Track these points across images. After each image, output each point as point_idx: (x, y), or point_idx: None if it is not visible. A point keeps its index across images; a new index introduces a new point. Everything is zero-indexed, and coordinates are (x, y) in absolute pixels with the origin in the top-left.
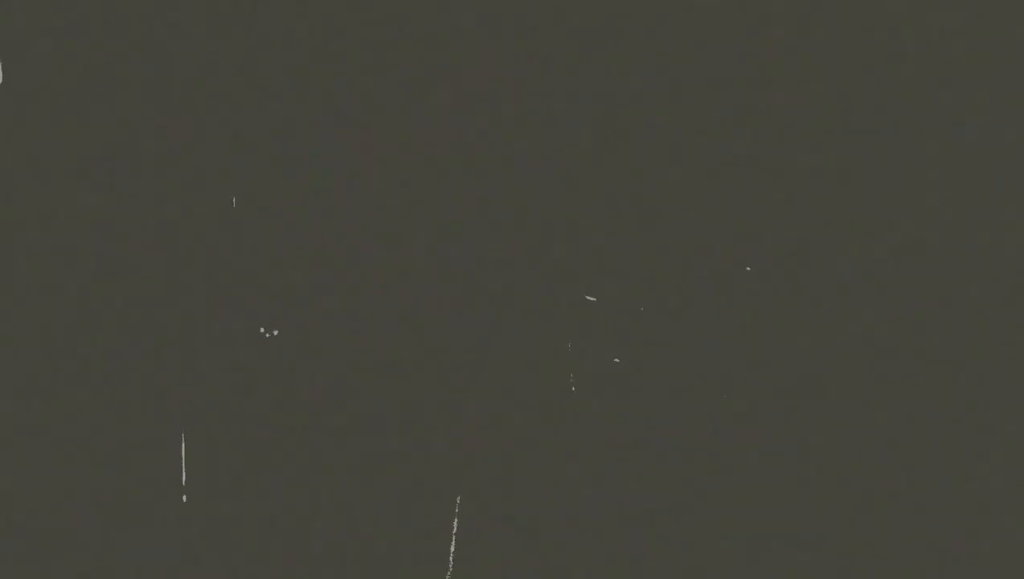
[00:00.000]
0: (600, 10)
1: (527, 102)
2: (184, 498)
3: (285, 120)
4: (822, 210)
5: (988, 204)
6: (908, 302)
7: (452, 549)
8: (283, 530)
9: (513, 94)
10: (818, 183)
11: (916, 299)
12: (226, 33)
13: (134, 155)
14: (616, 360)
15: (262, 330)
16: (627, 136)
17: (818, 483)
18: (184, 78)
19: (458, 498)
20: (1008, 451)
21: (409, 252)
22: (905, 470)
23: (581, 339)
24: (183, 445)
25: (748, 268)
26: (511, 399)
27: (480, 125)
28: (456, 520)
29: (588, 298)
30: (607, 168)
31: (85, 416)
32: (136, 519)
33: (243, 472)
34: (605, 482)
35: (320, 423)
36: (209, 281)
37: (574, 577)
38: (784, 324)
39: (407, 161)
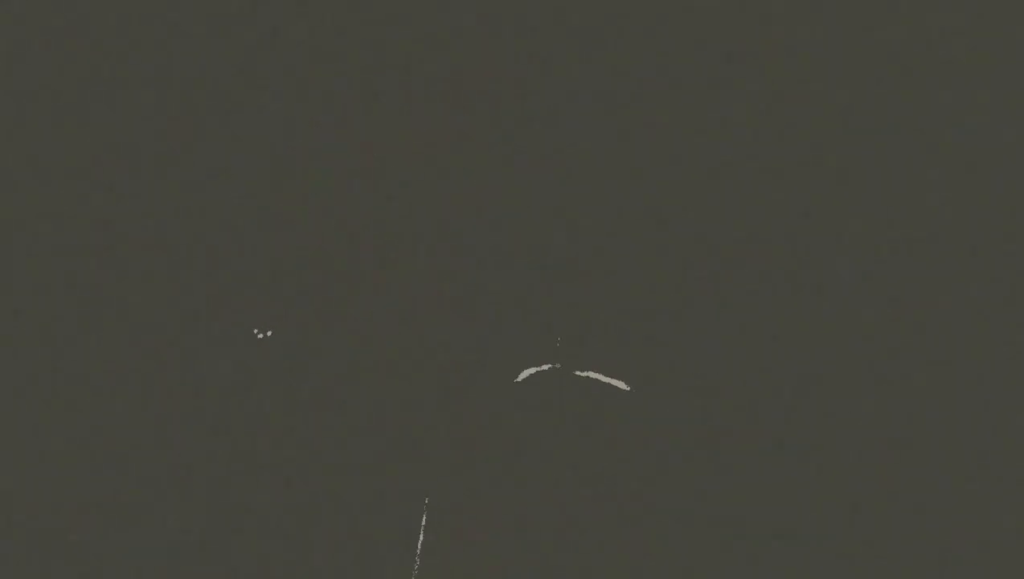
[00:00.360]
0: (600, 10)
1: (527, 102)
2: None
3: (283, 121)
4: (822, 210)
5: (988, 204)
6: (907, 302)
7: (419, 544)
8: (278, 530)
9: (512, 94)
10: (818, 183)
11: (915, 299)
12: (226, 33)
13: (130, 156)
14: (627, 387)
15: (255, 331)
16: (627, 136)
17: (818, 483)
18: (181, 78)
19: (425, 499)
20: (1008, 451)
21: (404, 252)
22: (905, 470)
23: (579, 339)
24: (177, 445)
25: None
26: (509, 399)
27: (478, 125)
28: (424, 517)
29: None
30: (605, 168)
31: (79, 416)
32: (130, 517)
33: (237, 471)
34: (603, 482)
35: (313, 423)
36: (203, 283)
37: (572, 577)
38: (782, 324)
39: (403, 161)
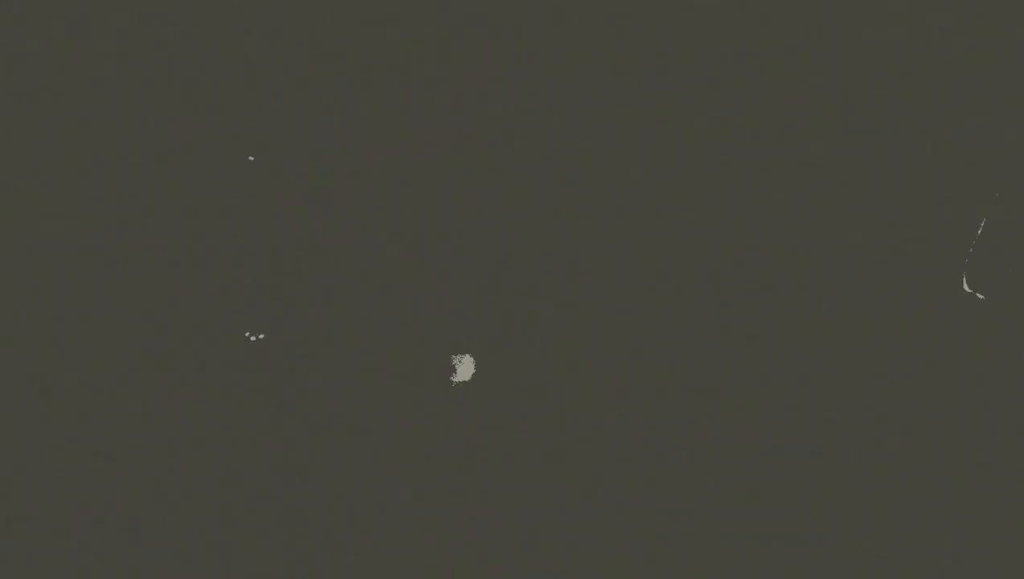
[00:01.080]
0: (599, 10)
1: (521, 102)
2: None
3: (278, 121)
4: (820, 210)
5: (987, 204)
6: (907, 302)
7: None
8: (271, 533)
9: (507, 94)
10: (816, 183)
11: (914, 299)
12: (223, 33)
13: (120, 156)
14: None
15: (247, 334)
16: (625, 136)
17: (816, 484)
18: (171, 76)
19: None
20: (1008, 451)
21: (398, 252)
22: (904, 471)
23: (583, 337)
24: (171, 448)
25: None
26: (506, 399)
27: (472, 125)
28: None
29: (975, 294)
30: (603, 168)
31: (70, 418)
32: (126, 521)
33: (231, 476)
34: (603, 483)
35: (306, 427)
36: (194, 284)
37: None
38: (780, 324)
39: (396, 161)
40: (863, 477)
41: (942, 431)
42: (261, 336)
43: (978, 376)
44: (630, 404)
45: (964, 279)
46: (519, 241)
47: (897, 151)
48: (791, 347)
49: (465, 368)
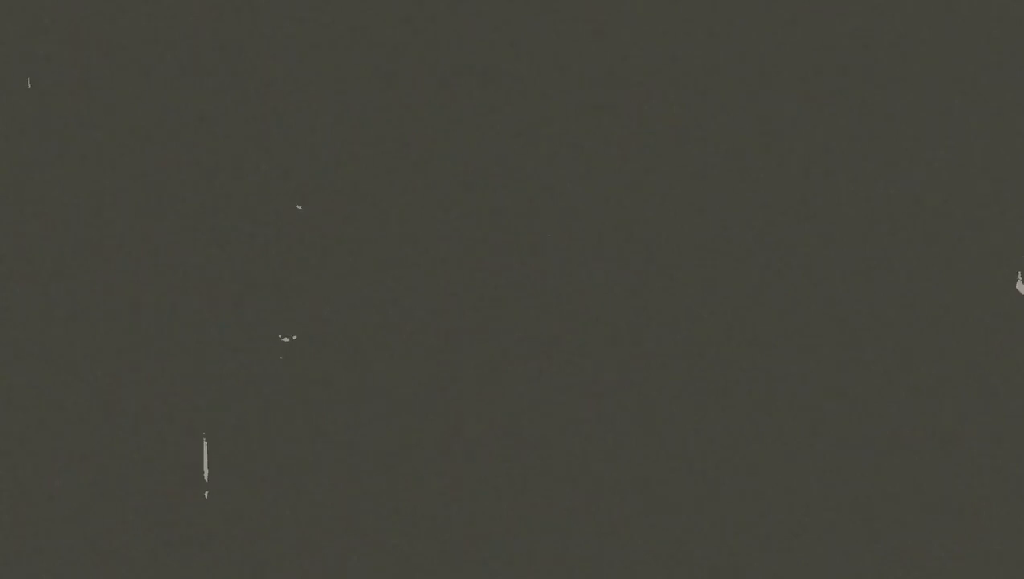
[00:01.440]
0: (597, 8)
1: (524, 102)
2: (206, 495)
3: (301, 122)
4: (818, 209)
5: (984, 204)
6: (904, 302)
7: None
8: (299, 531)
9: (509, 93)
10: (815, 182)
11: (913, 298)
12: (227, 33)
13: (153, 157)
14: None
15: (280, 335)
16: (623, 135)
17: (817, 484)
18: (200, 81)
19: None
20: (1006, 451)
21: (423, 253)
22: (903, 471)
23: (580, 336)
24: (204, 448)
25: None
26: (520, 400)
27: (481, 126)
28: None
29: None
30: (601, 167)
31: (103, 421)
32: (156, 521)
33: (262, 474)
34: (602, 482)
35: (336, 425)
36: (227, 286)
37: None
38: (778, 323)
39: (420, 162)
40: (866, 478)
41: (940, 432)
42: (294, 337)
43: (983, 375)
44: (629, 405)
45: (1020, 278)
46: (522, 243)
47: (922, 150)
48: (794, 349)
49: None
